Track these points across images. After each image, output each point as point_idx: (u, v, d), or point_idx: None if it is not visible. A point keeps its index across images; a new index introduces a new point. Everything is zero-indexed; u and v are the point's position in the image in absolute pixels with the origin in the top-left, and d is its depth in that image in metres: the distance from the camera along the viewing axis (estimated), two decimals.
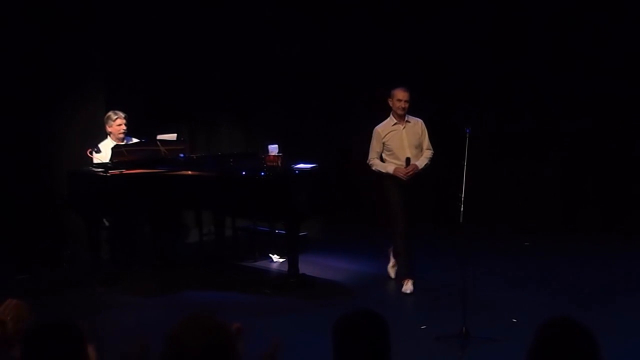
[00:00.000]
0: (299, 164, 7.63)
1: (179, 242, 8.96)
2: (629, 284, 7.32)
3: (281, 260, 8.43)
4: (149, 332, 2.91)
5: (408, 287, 7.20)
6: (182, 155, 8.08)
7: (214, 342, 2.53)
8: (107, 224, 7.95)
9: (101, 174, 7.63)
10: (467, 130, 6.35)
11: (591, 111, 9.54)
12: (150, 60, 9.25)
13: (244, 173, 7.53)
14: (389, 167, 7.27)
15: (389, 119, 7.37)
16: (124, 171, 7.61)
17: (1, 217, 8.26)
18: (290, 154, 7.82)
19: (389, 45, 10.09)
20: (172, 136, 8.26)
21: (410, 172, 7.20)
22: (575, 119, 9.63)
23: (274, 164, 7.47)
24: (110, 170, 7.62)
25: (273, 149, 7.63)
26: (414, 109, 9.66)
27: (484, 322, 6.02)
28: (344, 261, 8.43)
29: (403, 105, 7.22)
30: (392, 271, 7.63)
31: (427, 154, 7.39)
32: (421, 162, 7.32)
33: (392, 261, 7.61)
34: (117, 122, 7.94)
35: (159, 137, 8.08)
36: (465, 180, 6.11)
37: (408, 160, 7.23)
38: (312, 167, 7.62)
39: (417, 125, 7.39)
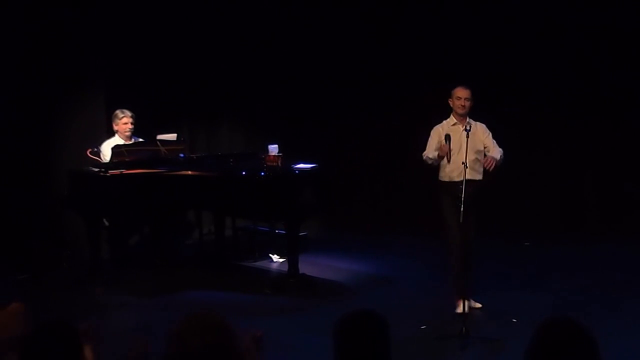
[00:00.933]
0: (299, 164, 7.63)
1: (179, 242, 8.96)
2: (629, 284, 7.32)
3: (281, 260, 8.43)
4: (149, 332, 2.92)
5: (461, 307, 6.15)
6: (182, 155, 8.09)
7: (216, 341, 2.53)
8: (107, 224, 7.95)
9: (101, 174, 7.63)
10: (468, 129, 6.30)
11: (592, 111, 9.55)
12: (150, 60, 9.26)
13: (244, 173, 7.53)
14: (431, 153, 6.53)
15: (449, 119, 6.68)
16: (124, 171, 7.61)
17: (1, 217, 8.26)
18: (290, 154, 7.82)
19: (389, 44, 10.09)
20: (172, 136, 8.27)
21: (489, 165, 6.41)
22: (575, 119, 9.64)
23: (274, 164, 7.47)
24: (110, 170, 7.62)
25: (273, 149, 7.63)
26: (412, 108, 9.70)
27: (484, 322, 6.02)
28: (344, 261, 8.42)
29: (462, 104, 6.52)
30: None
31: (498, 149, 6.58)
32: (496, 154, 6.51)
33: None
34: (122, 121, 7.98)
35: (159, 137, 8.09)
36: (466, 180, 6.10)
37: (448, 137, 6.40)
38: (312, 167, 7.62)
39: (478, 129, 6.59)
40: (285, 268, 7.58)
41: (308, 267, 7.72)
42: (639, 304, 6.62)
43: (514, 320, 6.15)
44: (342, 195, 9.18)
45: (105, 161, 7.79)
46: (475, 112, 6.68)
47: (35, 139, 8.51)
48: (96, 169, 7.72)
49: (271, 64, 10.14)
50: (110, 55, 8.90)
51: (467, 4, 9.75)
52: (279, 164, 7.47)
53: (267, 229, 8.88)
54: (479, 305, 6.61)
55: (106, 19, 8.76)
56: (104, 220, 7.93)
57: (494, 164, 6.43)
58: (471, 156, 6.41)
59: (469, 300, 6.28)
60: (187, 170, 7.79)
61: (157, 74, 9.41)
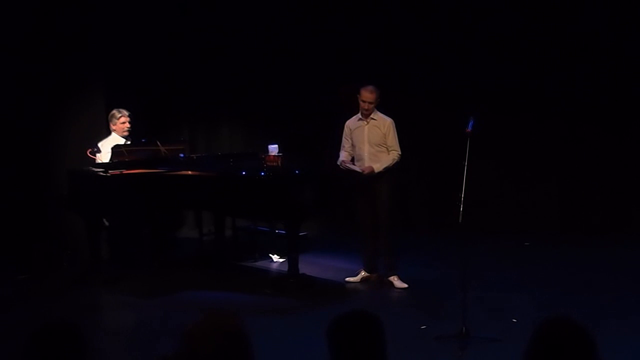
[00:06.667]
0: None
1: (179, 242, 8.97)
2: (629, 283, 7.32)
3: (281, 260, 8.43)
4: (149, 332, 2.91)
5: (354, 279, 7.55)
6: (182, 155, 8.09)
7: (227, 344, 2.51)
8: (107, 224, 7.95)
9: (101, 174, 7.63)
10: (470, 123, 6.19)
11: (591, 112, 9.56)
12: (150, 60, 9.26)
13: (244, 173, 7.53)
14: (338, 161, 7.47)
15: (358, 114, 7.45)
16: (124, 171, 7.61)
17: (1, 217, 8.26)
18: (290, 154, 7.82)
19: (390, 44, 10.09)
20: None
21: (366, 172, 7.25)
22: (575, 120, 9.65)
23: (274, 164, 7.47)
24: (110, 170, 7.62)
25: (273, 149, 7.63)
26: (413, 109, 9.70)
27: (484, 322, 6.02)
28: (344, 261, 8.42)
29: (366, 107, 7.29)
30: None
31: (392, 155, 7.35)
32: (381, 164, 7.29)
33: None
34: (120, 120, 7.97)
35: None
36: (465, 181, 6.09)
37: None
38: (312, 167, 7.63)
39: (382, 124, 7.35)
40: (285, 268, 7.58)
41: (308, 267, 7.72)
42: (638, 304, 6.62)
43: (514, 320, 6.15)
44: (342, 195, 9.17)
45: (102, 160, 7.78)
46: (479, 112, 6.64)
47: (35, 139, 8.52)
48: (96, 169, 7.72)
49: (271, 64, 10.14)
50: (110, 56, 8.89)
51: (467, 7, 9.75)
52: (279, 164, 7.47)
53: (267, 229, 8.88)
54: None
55: (106, 19, 8.76)
56: (104, 220, 7.93)
57: (367, 173, 7.28)
58: (369, 148, 7.34)
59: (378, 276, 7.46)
60: (187, 170, 7.79)
61: (157, 74, 9.41)
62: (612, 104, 9.48)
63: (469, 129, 6.12)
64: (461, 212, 5.92)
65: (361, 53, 10.14)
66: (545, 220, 9.84)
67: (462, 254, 5.90)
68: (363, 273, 7.57)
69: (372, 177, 7.26)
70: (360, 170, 7.27)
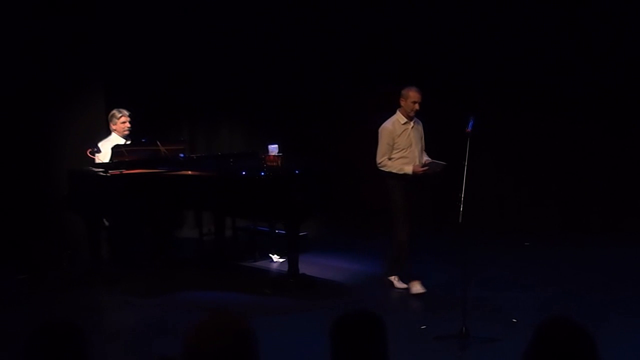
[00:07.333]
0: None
1: (179, 242, 8.96)
2: (628, 284, 7.32)
3: (281, 260, 8.43)
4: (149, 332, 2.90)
5: (417, 288, 7.15)
6: (182, 155, 8.09)
7: (236, 343, 2.50)
8: (107, 224, 7.95)
9: (101, 174, 7.63)
10: (470, 123, 6.22)
11: (591, 112, 9.56)
12: (150, 60, 9.26)
13: (243, 173, 7.53)
14: (406, 168, 7.09)
15: (397, 117, 7.20)
16: (124, 171, 7.61)
17: (1, 217, 8.26)
18: (290, 155, 7.82)
19: (390, 44, 10.09)
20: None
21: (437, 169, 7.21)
22: (575, 119, 9.65)
23: (274, 164, 7.47)
24: (110, 170, 7.62)
25: (273, 149, 7.63)
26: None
27: (484, 322, 6.02)
28: (344, 261, 8.43)
29: (417, 107, 7.10)
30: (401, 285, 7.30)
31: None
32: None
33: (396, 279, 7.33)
34: (121, 120, 7.97)
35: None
36: (465, 181, 6.09)
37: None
38: (311, 167, 7.63)
39: (420, 125, 7.33)
40: (285, 268, 7.58)
41: (308, 267, 7.72)
42: (638, 304, 6.62)
43: (514, 320, 6.16)
44: (342, 195, 9.18)
45: (102, 160, 7.78)
46: (479, 112, 6.66)
47: (35, 139, 8.52)
48: (96, 169, 7.72)
49: (271, 64, 10.14)
50: (110, 55, 8.90)
51: (467, 7, 9.75)
52: (279, 164, 7.47)
53: (267, 229, 8.88)
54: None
55: (106, 19, 8.76)
56: (104, 220, 7.93)
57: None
58: (418, 150, 7.23)
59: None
60: (187, 170, 7.80)
61: (157, 74, 9.41)
62: (612, 104, 9.49)
63: (469, 129, 6.14)
64: (461, 212, 5.93)
65: (361, 53, 10.15)
66: (545, 220, 9.84)
67: (462, 254, 5.90)
68: (416, 283, 7.23)
69: (417, 177, 7.12)
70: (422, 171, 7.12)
